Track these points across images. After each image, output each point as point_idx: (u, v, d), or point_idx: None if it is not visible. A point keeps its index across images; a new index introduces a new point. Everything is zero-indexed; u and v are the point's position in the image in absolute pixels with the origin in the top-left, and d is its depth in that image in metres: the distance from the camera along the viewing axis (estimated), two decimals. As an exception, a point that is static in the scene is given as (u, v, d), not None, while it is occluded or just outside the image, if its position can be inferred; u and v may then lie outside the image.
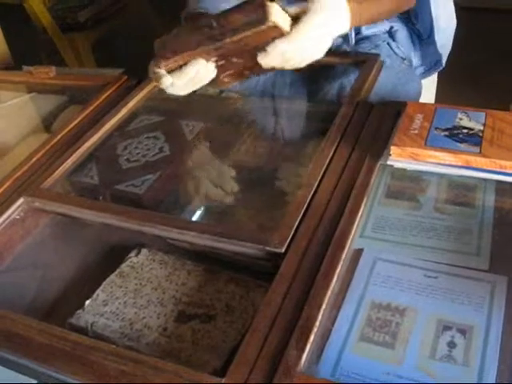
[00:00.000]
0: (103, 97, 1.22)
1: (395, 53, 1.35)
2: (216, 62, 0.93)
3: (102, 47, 2.77)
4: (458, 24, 1.40)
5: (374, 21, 1.11)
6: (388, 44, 1.35)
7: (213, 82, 0.95)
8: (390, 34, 1.38)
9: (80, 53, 2.51)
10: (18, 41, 3.08)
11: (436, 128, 0.88)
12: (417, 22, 1.36)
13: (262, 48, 0.89)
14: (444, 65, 1.43)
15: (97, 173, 1.03)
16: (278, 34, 0.90)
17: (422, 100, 1.40)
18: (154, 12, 2.81)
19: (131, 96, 1.18)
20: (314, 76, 1.21)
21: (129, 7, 2.71)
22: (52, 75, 1.40)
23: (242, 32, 0.90)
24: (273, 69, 0.94)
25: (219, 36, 0.90)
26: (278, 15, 0.88)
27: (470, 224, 0.83)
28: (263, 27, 0.89)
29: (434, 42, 1.35)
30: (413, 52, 1.40)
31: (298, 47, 0.89)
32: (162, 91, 1.13)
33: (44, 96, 1.42)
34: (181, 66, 0.91)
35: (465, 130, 0.88)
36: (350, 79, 1.18)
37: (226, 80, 0.96)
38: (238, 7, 0.92)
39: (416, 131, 0.88)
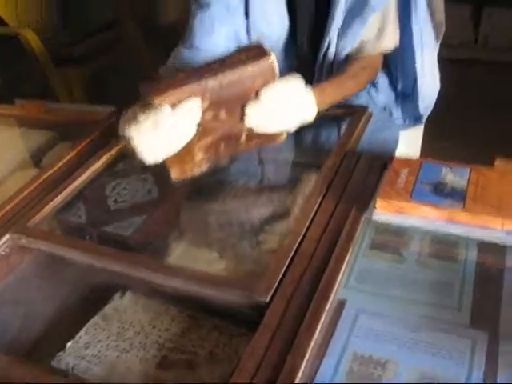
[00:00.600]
0: (93, 135, 1.23)
1: (374, 102, 1.38)
2: (205, 112, 0.94)
3: (95, 81, 2.79)
4: (446, 76, 1.43)
5: (338, 102, 1.17)
6: (368, 93, 1.38)
7: (177, 168, 0.97)
8: (372, 82, 1.40)
9: (72, 86, 2.53)
10: (12, 71, 3.11)
11: (422, 182, 0.90)
12: (399, 77, 1.39)
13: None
14: (424, 123, 1.46)
15: (84, 212, 1.03)
16: (271, 78, 0.95)
17: (407, 151, 1.43)
18: (148, 47, 2.85)
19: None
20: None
21: (123, 42, 2.75)
22: (43, 110, 1.42)
23: (240, 67, 0.94)
24: (249, 145, 0.99)
25: (218, 69, 0.94)
26: (274, 60, 0.95)
27: (451, 279, 0.84)
28: (262, 64, 0.95)
29: (416, 100, 1.37)
30: (394, 103, 1.43)
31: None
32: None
33: (34, 131, 1.43)
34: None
35: (449, 186, 0.90)
36: (338, 129, 1.20)
37: (199, 156, 0.98)
38: (237, 51, 0.95)
39: (402, 185, 0.90)
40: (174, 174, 0.98)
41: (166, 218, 1.01)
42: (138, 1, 3.71)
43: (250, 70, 0.95)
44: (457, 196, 0.87)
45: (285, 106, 1.00)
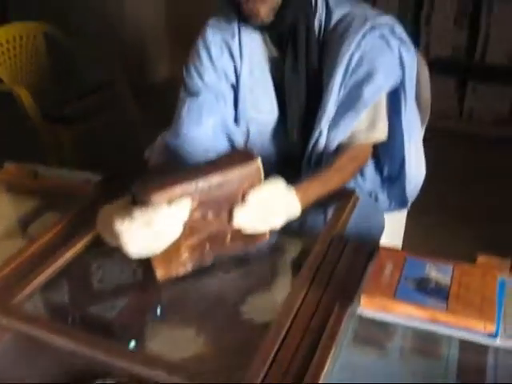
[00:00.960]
0: (80, 208, 1.23)
1: (361, 187, 1.39)
2: (193, 212, 0.98)
3: (85, 141, 2.81)
4: (430, 148, 1.45)
5: (322, 197, 1.21)
6: (354, 179, 1.39)
7: (163, 268, 1.00)
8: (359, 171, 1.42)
9: (63, 145, 2.55)
10: (2, 126, 3.14)
11: (406, 278, 0.91)
12: (386, 163, 1.42)
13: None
14: (409, 207, 1.48)
15: (68, 292, 1.02)
16: (257, 182, 1.01)
17: (392, 230, 1.44)
18: (138, 110, 2.89)
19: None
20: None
21: (115, 102, 2.78)
22: (32, 176, 1.42)
23: (229, 170, 0.99)
24: (234, 246, 1.04)
25: (208, 171, 0.98)
26: (260, 165, 1.01)
27: (434, 375, 0.84)
28: (249, 168, 1.00)
29: (402, 185, 1.39)
30: (379, 188, 1.44)
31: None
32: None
33: (23, 197, 1.43)
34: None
35: (433, 283, 0.91)
36: (325, 212, 1.22)
37: (184, 255, 1.01)
38: (225, 155, 1.00)
39: (386, 280, 0.91)
40: (160, 274, 1.01)
41: (149, 300, 1.00)
42: (130, 60, 3.80)
43: (237, 174, 0.99)
44: (440, 295, 0.88)
45: (270, 207, 1.04)
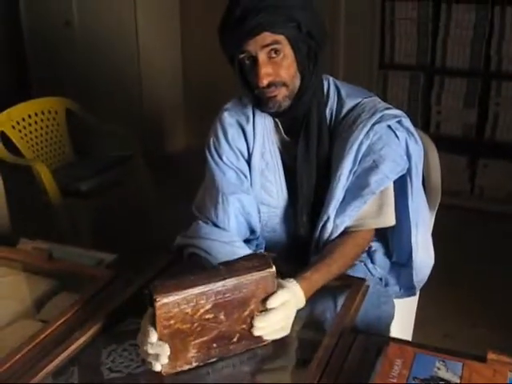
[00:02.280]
0: (93, 292, 1.25)
1: (372, 273, 1.40)
2: (206, 313, 1.01)
3: (101, 217, 2.86)
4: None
5: (326, 283, 1.24)
6: (365, 264, 1.41)
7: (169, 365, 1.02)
8: (369, 254, 1.45)
9: (77, 220, 2.59)
10: (19, 202, 3.20)
11: (414, 377, 0.91)
12: (395, 249, 1.44)
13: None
14: (417, 294, 1.49)
15: (78, 379, 1.03)
16: (271, 288, 1.06)
17: (402, 317, 1.43)
18: (153, 187, 2.95)
19: (122, 295, 1.22)
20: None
21: (130, 180, 2.85)
22: (47, 257, 1.45)
23: (245, 274, 1.03)
24: (239, 347, 1.07)
25: (225, 274, 1.02)
26: (275, 271, 1.06)
27: None
28: (265, 274, 1.05)
29: (410, 272, 1.40)
30: (389, 273, 1.45)
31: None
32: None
33: (37, 278, 1.45)
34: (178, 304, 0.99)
35: (442, 382, 0.90)
36: (335, 301, 1.22)
37: (191, 353, 1.04)
38: (243, 258, 1.04)
39: (395, 380, 0.90)
40: (165, 369, 1.02)
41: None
42: (147, 134, 3.90)
43: (253, 279, 1.03)
44: (450, 395, 0.88)
45: (288, 313, 1.09)
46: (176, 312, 0.99)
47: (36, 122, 2.80)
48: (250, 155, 1.40)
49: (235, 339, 1.06)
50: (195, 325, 1.02)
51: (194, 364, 1.05)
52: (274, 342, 1.08)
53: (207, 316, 1.02)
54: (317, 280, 1.19)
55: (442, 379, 0.91)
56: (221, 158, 1.40)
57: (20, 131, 2.71)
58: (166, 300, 0.98)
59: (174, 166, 3.96)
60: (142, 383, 1.03)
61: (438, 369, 0.93)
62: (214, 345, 1.05)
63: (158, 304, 0.98)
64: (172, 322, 1.00)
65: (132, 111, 3.89)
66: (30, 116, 2.78)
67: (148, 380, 1.03)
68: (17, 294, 1.44)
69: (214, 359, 1.06)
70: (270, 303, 1.05)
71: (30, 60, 4.11)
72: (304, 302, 1.13)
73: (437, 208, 1.58)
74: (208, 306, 1.01)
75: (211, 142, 1.43)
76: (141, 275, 1.30)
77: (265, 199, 1.41)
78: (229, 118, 1.41)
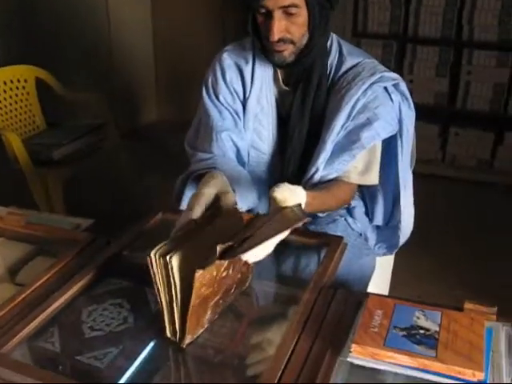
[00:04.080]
0: (72, 255, 1.24)
1: (352, 228, 1.43)
2: (223, 271, 0.97)
3: (73, 184, 2.83)
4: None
5: (318, 212, 1.30)
6: (345, 219, 1.44)
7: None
8: (349, 210, 1.47)
9: (50, 188, 2.55)
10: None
11: (395, 327, 0.93)
12: (375, 211, 1.47)
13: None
14: (393, 254, 1.53)
15: (59, 339, 1.02)
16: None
17: (380, 274, 1.46)
18: (127, 156, 2.92)
19: (100, 256, 1.21)
20: (276, 255, 1.26)
21: (103, 149, 2.81)
22: (23, 223, 1.43)
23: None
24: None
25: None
26: None
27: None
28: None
29: (393, 231, 1.44)
30: (369, 229, 1.49)
31: None
32: (133, 252, 1.18)
33: (12, 243, 1.43)
34: None
35: (422, 331, 0.92)
36: (317, 257, 1.24)
37: (207, 316, 1.00)
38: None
39: (376, 329, 0.92)
40: (187, 341, 0.99)
41: (140, 350, 1.00)
42: (119, 107, 3.85)
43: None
44: (429, 343, 0.90)
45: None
46: (208, 278, 0.94)
47: (5, 91, 2.73)
48: (245, 98, 1.43)
49: (232, 290, 1.05)
50: (215, 286, 0.97)
51: (206, 326, 1.03)
52: (258, 297, 1.09)
53: (224, 274, 0.98)
54: (316, 203, 1.22)
55: (422, 327, 0.93)
56: (217, 97, 1.43)
57: (-12, 100, 2.65)
58: (205, 271, 0.91)
59: (144, 137, 3.93)
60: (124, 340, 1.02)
61: (418, 318, 0.95)
62: (221, 301, 1.03)
63: (198, 275, 0.90)
64: (203, 289, 0.94)
65: (102, 83, 3.82)
66: (-2, 85, 2.71)
67: (129, 336, 1.02)
68: (-8, 259, 1.41)
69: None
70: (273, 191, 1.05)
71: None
72: (303, 202, 1.11)
73: (412, 168, 1.60)
74: (225, 264, 0.97)
75: (209, 81, 1.45)
76: (118, 238, 1.30)
77: (255, 142, 1.44)
78: (228, 60, 1.44)
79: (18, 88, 2.78)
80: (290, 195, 1.06)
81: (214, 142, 1.38)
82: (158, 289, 0.95)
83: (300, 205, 1.05)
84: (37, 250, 1.40)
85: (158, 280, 0.95)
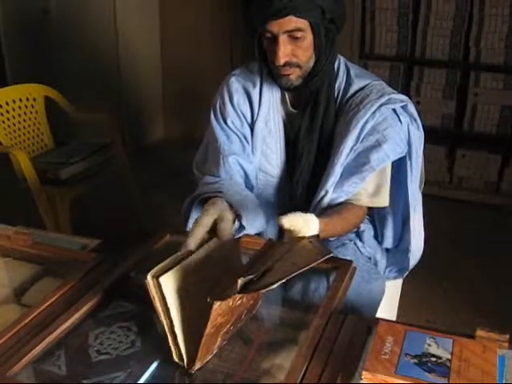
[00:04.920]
0: (78, 276, 1.23)
1: (361, 252, 1.42)
2: (238, 300, 0.95)
3: (80, 203, 2.83)
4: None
5: (330, 237, 1.31)
6: (354, 243, 1.43)
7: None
8: (357, 234, 1.46)
9: (57, 207, 2.55)
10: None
11: (406, 354, 0.91)
12: (384, 234, 1.46)
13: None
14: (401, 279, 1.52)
15: (65, 363, 1.01)
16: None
17: (388, 297, 1.45)
18: (134, 175, 2.92)
19: (108, 278, 1.20)
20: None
21: (109, 168, 2.81)
22: (29, 243, 1.42)
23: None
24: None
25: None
26: None
27: None
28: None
29: (403, 255, 1.43)
30: (379, 253, 1.47)
31: None
32: (140, 273, 1.17)
33: (19, 263, 1.42)
34: None
35: (433, 358, 0.91)
36: (327, 282, 1.23)
37: (217, 342, 0.99)
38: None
39: (387, 356, 0.90)
40: (197, 368, 0.98)
41: (149, 373, 0.99)
42: (126, 125, 3.87)
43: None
44: (441, 370, 0.88)
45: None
46: (224, 309, 0.92)
47: (14, 109, 2.74)
48: (253, 121, 1.43)
49: (243, 316, 1.04)
50: (229, 314, 0.96)
51: (215, 351, 1.02)
52: (266, 322, 1.08)
53: (238, 303, 0.97)
54: (327, 230, 1.21)
55: (434, 355, 0.91)
56: (225, 121, 1.43)
57: (-3, 118, 2.66)
58: (223, 301, 0.89)
59: (151, 156, 3.94)
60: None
61: (429, 345, 0.94)
62: (232, 327, 1.02)
63: (215, 306, 0.88)
64: (219, 318, 0.93)
65: (110, 102, 3.85)
66: (7, 103, 2.72)
67: (136, 361, 1.01)
68: (-2, 279, 1.41)
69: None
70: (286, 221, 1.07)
71: (6, 48, 4.04)
72: (316, 231, 1.13)
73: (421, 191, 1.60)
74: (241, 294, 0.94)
75: (217, 105, 1.46)
76: (126, 259, 1.29)
77: (263, 165, 1.44)
78: (236, 83, 1.45)
79: (26, 106, 2.80)
80: (304, 224, 1.08)
81: (221, 166, 1.39)
82: (157, 312, 0.95)
83: (318, 236, 1.05)
84: (44, 270, 1.39)
85: (156, 303, 0.94)
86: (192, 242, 1.03)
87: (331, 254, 1.02)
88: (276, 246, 1.04)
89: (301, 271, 0.95)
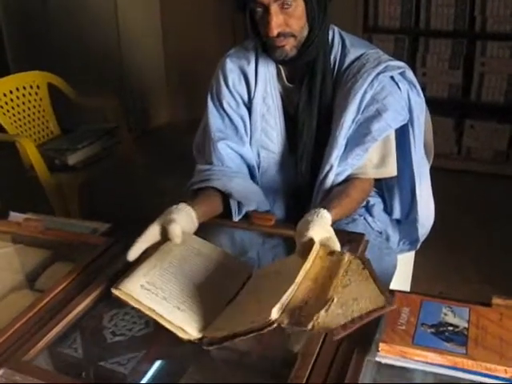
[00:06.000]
0: (90, 259, 1.23)
1: (371, 227, 1.41)
2: None
3: (88, 189, 2.83)
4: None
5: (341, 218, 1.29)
6: (364, 219, 1.41)
7: None
8: (367, 208, 1.45)
9: (65, 193, 2.55)
10: (4, 177, 3.15)
11: (422, 324, 0.91)
12: (394, 205, 1.44)
13: None
14: (418, 247, 1.50)
15: (81, 345, 1.01)
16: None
17: (401, 272, 1.44)
18: (140, 159, 2.92)
19: (120, 260, 1.19)
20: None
21: (116, 153, 2.81)
22: (40, 229, 1.42)
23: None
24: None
25: None
26: None
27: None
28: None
29: (413, 226, 1.42)
30: (390, 227, 1.46)
31: None
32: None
33: (30, 249, 1.42)
34: None
35: (450, 327, 0.90)
36: None
37: None
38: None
39: (403, 327, 0.90)
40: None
41: (163, 354, 0.99)
42: (132, 109, 3.86)
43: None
44: (459, 339, 0.88)
45: None
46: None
47: (18, 98, 2.73)
48: (251, 99, 1.42)
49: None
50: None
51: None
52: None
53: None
54: (336, 214, 1.20)
55: (451, 324, 0.91)
56: (221, 104, 1.42)
57: (2, 107, 2.64)
58: None
59: (157, 140, 3.93)
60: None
61: (446, 314, 0.93)
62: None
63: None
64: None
65: (113, 88, 3.82)
66: (11, 91, 2.70)
67: (150, 341, 1.01)
68: (11, 265, 1.41)
69: None
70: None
71: (7, 37, 4.02)
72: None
73: (430, 163, 1.58)
74: None
75: (213, 89, 1.45)
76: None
77: (264, 142, 1.43)
78: (230, 64, 1.43)
79: (30, 94, 2.78)
80: (323, 230, 1.09)
81: (212, 152, 1.40)
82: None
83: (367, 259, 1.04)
84: (55, 255, 1.39)
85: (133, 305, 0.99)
86: (132, 254, 1.10)
87: (394, 307, 0.92)
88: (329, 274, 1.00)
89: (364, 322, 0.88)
